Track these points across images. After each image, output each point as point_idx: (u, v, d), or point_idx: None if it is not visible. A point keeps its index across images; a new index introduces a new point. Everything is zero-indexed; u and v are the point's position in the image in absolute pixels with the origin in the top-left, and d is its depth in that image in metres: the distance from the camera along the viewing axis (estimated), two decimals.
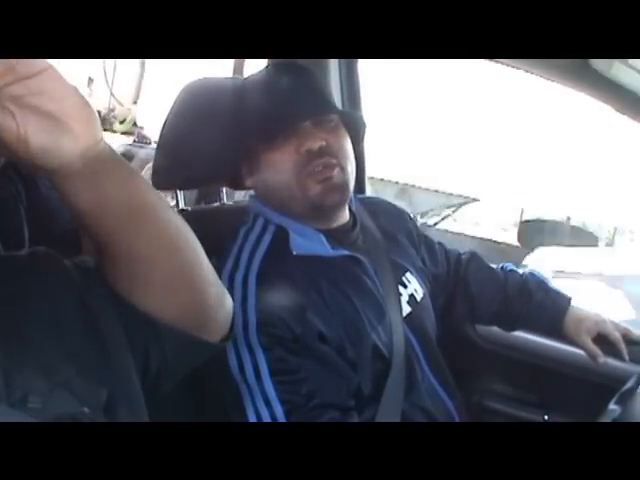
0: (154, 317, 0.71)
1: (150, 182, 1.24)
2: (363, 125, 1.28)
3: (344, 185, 1.15)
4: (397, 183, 6.21)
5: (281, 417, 1.01)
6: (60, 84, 0.59)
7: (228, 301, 0.80)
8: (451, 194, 6.39)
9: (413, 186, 6.27)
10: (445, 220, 6.76)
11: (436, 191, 6.25)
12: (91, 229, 0.67)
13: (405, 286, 1.25)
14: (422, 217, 6.03)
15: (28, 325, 0.64)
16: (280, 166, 1.13)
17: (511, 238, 6.73)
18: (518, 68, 1.16)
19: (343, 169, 1.14)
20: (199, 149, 1.21)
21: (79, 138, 0.60)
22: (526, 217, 6.83)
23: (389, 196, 5.73)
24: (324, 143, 1.11)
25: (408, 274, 1.27)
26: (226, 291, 0.80)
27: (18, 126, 0.57)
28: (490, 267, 1.47)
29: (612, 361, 1.33)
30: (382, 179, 6.08)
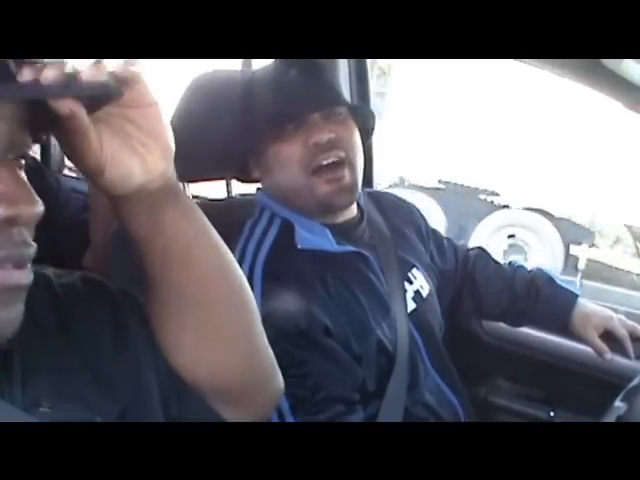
0: (183, 374, 0.67)
1: None
2: (372, 119, 1.27)
3: (354, 185, 1.14)
4: None
5: (286, 410, 1.01)
6: (157, 123, 0.60)
7: (277, 380, 0.74)
8: None
9: None
10: None
11: None
12: (146, 260, 0.66)
13: (411, 282, 1.25)
14: None
15: (53, 336, 0.64)
16: (287, 159, 1.12)
17: None
18: (526, 63, 1.15)
19: (352, 166, 1.13)
20: (207, 141, 1.21)
21: (149, 171, 0.60)
22: None
23: None
24: (333, 135, 1.11)
25: (414, 270, 1.27)
26: (277, 368, 0.74)
27: (102, 147, 0.58)
28: (498, 263, 1.47)
29: (618, 358, 1.32)
30: None
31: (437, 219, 5.56)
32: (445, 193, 5.90)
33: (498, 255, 5.18)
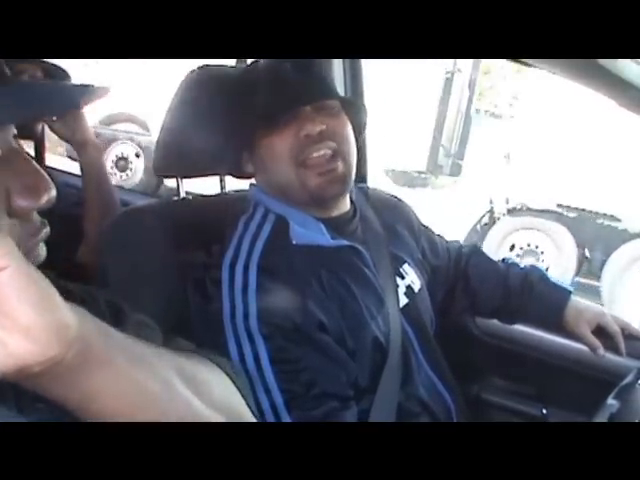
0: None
1: None
2: (365, 113, 1.27)
3: (346, 176, 1.14)
4: None
5: (281, 406, 1.01)
6: (15, 294, 0.42)
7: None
8: None
9: None
10: None
11: None
12: None
13: (403, 277, 1.25)
14: None
15: None
16: (279, 151, 1.12)
17: None
18: (520, 62, 1.15)
19: (344, 158, 1.13)
20: (201, 136, 1.21)
21: (18, 355, 0.43)
22: None
23: None
24: (324, 127, 1.11)
25: (406, 265, 1.27)
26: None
27: None
28: (491, 260, 1.47)
29: (611, 355, 1.33)
30: None
31: (569, 247, 5.41)
32: (569, 219, 5.59)
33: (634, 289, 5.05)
